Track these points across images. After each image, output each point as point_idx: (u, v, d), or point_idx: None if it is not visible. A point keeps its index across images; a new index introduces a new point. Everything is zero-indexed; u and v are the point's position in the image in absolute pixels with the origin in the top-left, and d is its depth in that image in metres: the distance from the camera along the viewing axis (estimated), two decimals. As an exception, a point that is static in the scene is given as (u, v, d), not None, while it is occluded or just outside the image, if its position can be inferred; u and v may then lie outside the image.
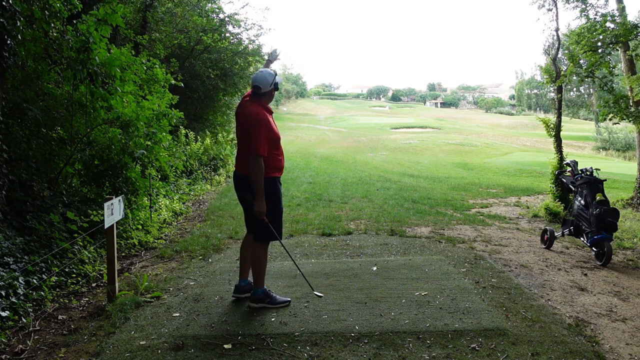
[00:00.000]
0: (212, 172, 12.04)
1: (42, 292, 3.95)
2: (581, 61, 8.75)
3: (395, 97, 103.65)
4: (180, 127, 10.99)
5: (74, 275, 4.48)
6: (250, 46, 15.38)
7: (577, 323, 3.55)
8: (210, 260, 5.18)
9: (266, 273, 3.93)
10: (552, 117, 8.91)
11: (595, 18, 8.35)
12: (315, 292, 3.97)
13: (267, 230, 3.65)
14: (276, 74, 3.72)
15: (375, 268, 4.77)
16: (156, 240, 6.00)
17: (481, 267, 4.89)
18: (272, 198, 3.61)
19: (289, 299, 3.85)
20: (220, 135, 14.54)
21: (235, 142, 11.24)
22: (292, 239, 6.10)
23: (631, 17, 9.14)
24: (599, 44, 8.27)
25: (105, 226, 3.87)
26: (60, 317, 3.68)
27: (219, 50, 14.33)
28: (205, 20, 12.99)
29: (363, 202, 8.88)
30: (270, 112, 3.72)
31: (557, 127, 8.56)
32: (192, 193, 9.58)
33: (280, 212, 3.79)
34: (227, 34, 14.63)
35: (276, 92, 3.84)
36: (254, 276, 3.78)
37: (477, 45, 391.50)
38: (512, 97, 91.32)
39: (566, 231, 5.91)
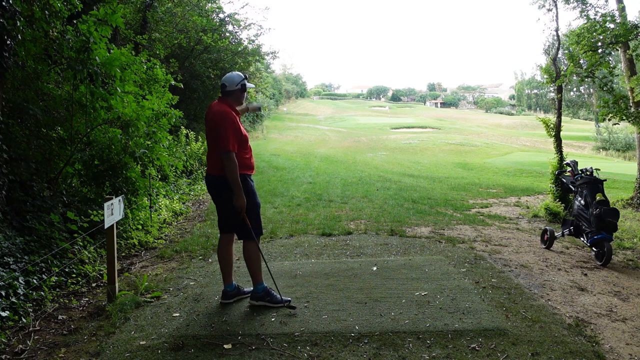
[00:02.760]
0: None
1: (42, 292, 3.95)
2: (581, 61, 8.75)
3: (395, 97, 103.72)
4: (181, 127, 10.99)
5: (74, 275, 4.48)
6: (250, 46, 15.40)
7: (577, 323, 3.55)
8: (210, 260, 5.18)
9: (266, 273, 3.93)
10: (552, 117, 8.91)
11: (595, 18, 8.35)
12: (287, 304, 3.74)
13: (248, 227, 3.66)
14: (246, 78, 3.77)
15: (375, 268, 4.77)
16: (156, 240, 6.00)
17: (481, 267, 4.89)
18: (247, 195, 3.60)
19: (289, 298, 3.85)
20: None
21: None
22: (292, 239, 6.10)
23: (631, 17, 9.15)
24: (599, 44, 8.27)
25: (105, 226, 3.87)
26: (60, 317, 3.68)
27: (219, 50, 14.35)
28: (205, 20, 13.00)
29: (363, 202, 8.88)
30: (238, 114, 3.71)
31: (557, 127, 8.56)
32: (192, 193, 9.59)
33: (257, 207, 3.79)
34: (227, 34, 14.65)
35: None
36: (251, 273, 3.78)
37: (477, 45, 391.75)
38: (512, 97, 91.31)
39: (566, 231, 5.91)
